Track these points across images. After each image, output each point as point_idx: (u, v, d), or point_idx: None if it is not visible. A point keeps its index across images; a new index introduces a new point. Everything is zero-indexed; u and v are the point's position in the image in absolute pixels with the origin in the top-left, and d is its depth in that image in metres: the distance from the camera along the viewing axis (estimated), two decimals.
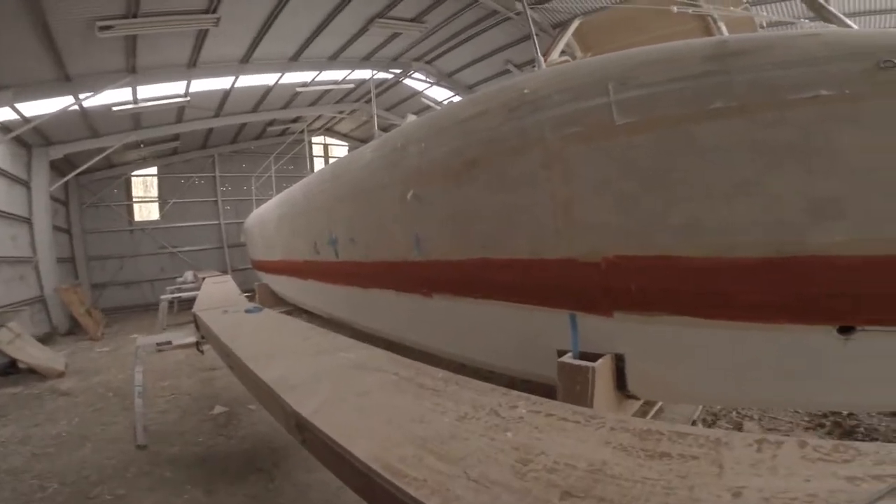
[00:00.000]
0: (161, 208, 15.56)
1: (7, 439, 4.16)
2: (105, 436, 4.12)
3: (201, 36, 8.08)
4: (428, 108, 13.37)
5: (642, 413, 3.02)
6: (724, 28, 4.24)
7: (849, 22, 2.93)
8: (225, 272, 14.44)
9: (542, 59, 3.43)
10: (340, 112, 15.08)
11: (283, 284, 9.34)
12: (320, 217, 6.01)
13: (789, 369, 2.11)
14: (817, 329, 1.99)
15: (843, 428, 3.26)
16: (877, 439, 3.09)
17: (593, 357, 2.64)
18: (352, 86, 13.13)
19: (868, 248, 1.85)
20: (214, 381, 5.49)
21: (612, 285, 2.53)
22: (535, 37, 3.70)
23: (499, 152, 3.03)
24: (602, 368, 2.58)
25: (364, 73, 11.95)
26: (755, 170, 2.05)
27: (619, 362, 2.67)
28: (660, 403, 3.12)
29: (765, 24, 4.21)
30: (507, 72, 11.26)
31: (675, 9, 3.34)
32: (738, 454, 1.24)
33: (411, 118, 4.77)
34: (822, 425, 3.31)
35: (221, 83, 10.51)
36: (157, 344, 4.08)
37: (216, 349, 3.55)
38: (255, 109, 13.00)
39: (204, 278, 10.58)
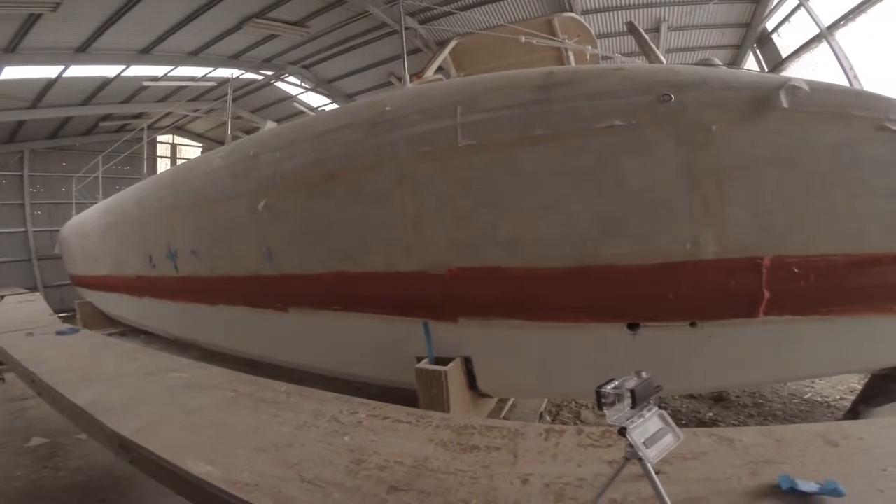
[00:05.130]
0: None
1: None
2: None
3: (31, 19, 6.78)
4: (300, 113, 12.87)
5: (498, 409, 3.30)
6: (572, 58, 4.84)
7: (661, 57, 3.38)
8: (34, 289, 11.90)
9: (408, 76, 3.59)
10: (195, 111, 13.66)
11: (111, 302, 8.03)
12: (157, 227, 5.36)
13: (592, 362, 2.53)
14: (611, 326, 2.43)
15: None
16: (680, 420, 3.77)
17: (447, 361, 2.83)
18: (213, 83, 12.00)
19: (643, 258, 2.31)
20: (27, 412, 4.63)
21: (455, 294, 2.76)
22: (405, 54, 3.88)
23: (357, 167, 3.10)
24: (453, 371, 2.78)
25: (228, 72, 11.04)
26: (561, 191, 2.43)
27: (468, 364, 2.90)
28: (511, 400, 3.42)
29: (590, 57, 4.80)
30: (389, 84, 11.40)
31: (522, 38, 3.76)
32: (531, 443, 1.50)
33: (271, 125, 4.59)
34: None
35: (45, 72, 8.84)
36: None
37: (20, 376, 3.05)
38: (86, 102, 11.10)
39: (3, 297, 8.68)
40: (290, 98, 12.92)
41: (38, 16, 6.73)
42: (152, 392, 2.04)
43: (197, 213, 4.58)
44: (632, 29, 4.59)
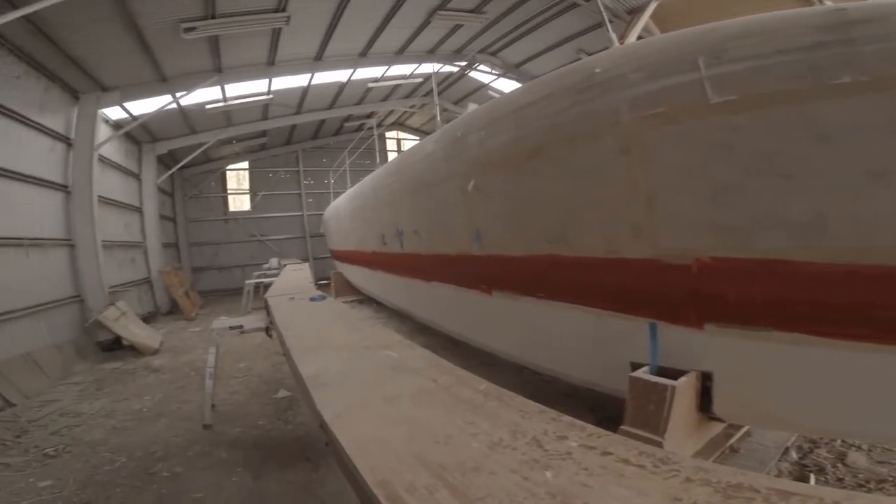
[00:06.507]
0: (252, 200, 16.78)
1: (97, 412, 4.52)
2: (179, 414, 4.34)
3: (276, 35, 8.41)
4: None
5: (725, 436, 2.61)
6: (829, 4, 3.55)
7: None
8: (306, 260, 15.22)
9: (616, 39, 3.05)
10: (411, 106, 15.22)
11: (355, 274, 9.62)
12: (387, 209, 6.05)
13: None
14: None
15: None
16: None
17: (673, 373, 2.29)
18: (420, 80, 13.15)
19: None
20: (283, 366, 5.51)
21: (704, 292, 2.13)
22: (606, 19, 3.35)
23: (566, 138, 2.71)
24: (684, 387, 2.22)
25: (431, 67, 11.85)
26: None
27: (705, 381, 2.29)
28: (745, 427, 2.69)
29: None
30: (578, 60, 10.45)
31: None
32: None
33: (472, 107, 4.54)
34: None
35: (299, 81, 10.91)
36: (230, 328, 4.20)
37: (277, 335, 3.59)
38: (331, 106, 13.46)
39: (286, 265, 11.15)
40: (484, 87, 13.10)
41: (280, 30, 8.18)
42: (363, 369, 2.07)
43: (417, 195, 4.91)
44: None
